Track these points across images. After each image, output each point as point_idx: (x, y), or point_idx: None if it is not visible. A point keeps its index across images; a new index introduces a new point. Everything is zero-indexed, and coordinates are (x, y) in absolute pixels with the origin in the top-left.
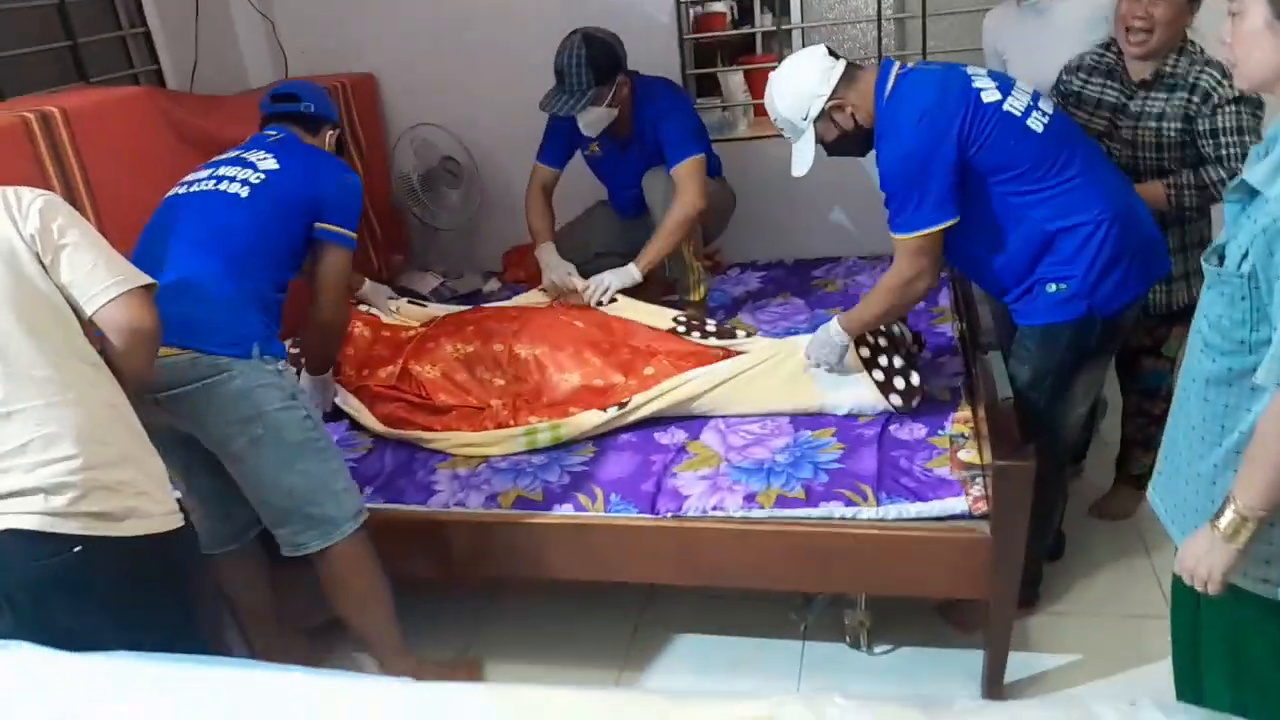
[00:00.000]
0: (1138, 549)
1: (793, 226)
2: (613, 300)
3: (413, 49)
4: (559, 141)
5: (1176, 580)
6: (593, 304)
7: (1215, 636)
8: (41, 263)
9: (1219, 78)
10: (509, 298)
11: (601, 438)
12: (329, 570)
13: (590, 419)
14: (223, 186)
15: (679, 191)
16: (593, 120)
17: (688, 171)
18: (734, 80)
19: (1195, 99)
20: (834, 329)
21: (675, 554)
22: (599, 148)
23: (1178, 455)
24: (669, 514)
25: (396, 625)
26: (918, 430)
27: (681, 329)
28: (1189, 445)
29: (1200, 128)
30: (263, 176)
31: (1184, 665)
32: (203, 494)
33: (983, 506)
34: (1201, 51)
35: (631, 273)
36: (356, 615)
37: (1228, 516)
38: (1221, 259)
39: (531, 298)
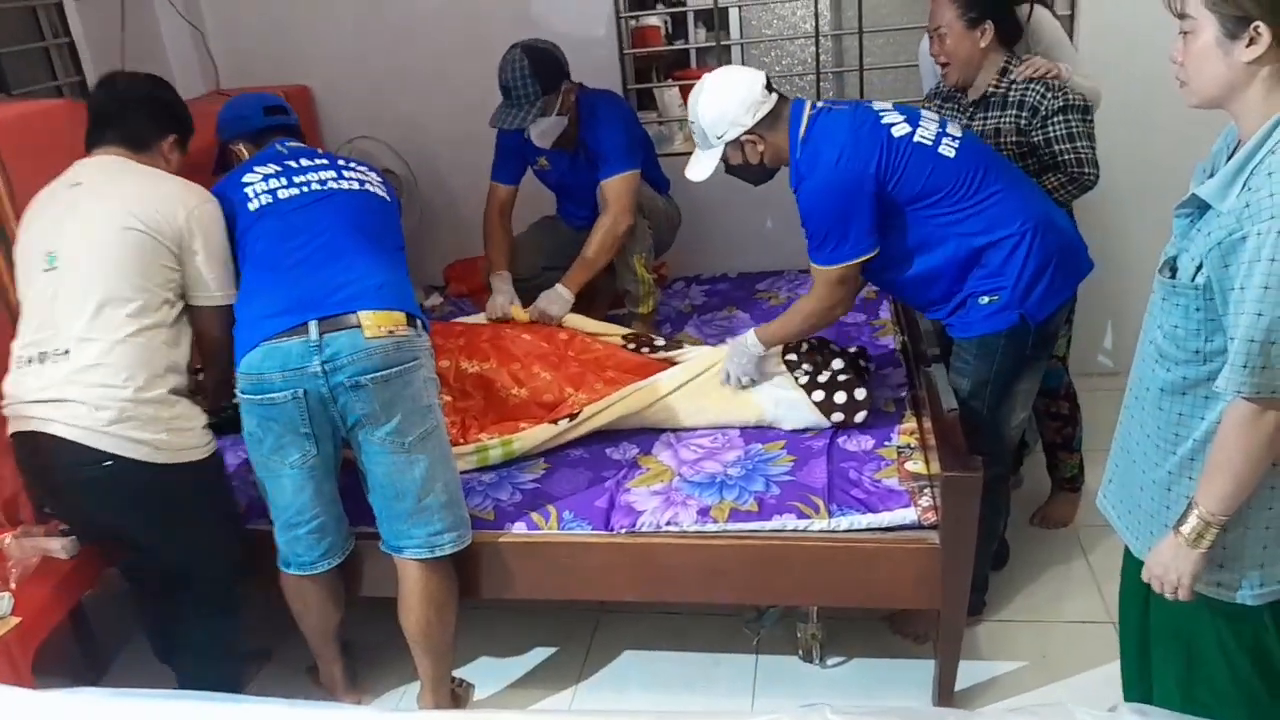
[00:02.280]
0: (1077, 555)
1: (735, 240)
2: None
3: (348, 60)
4: (510, 157)
5: (1125, 585)
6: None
7: (1166, 640)
8: (173, 252)
9: (1043, 92)
10: (452, 313)
11: (553, 454)
12: (437, 578)
13: (542, 432)
14: (366, 187)
15: (606, 208)
16: (544, 130)
17: (616, 188)
18: (670, 95)
19: (1024, 114)
20: (750, 339)
21: (630, 570)
22: (547, 161)
23: (1131, 463)
24: (623, 530)
25: (453, 652)
26: (865, 442)
27: (631, 346)
28: (1144, 453)
29: (1035, 139)
30: (381, 182)
31: (1131, 669)
32: (328, 498)
33: (932, 516)
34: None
35: (562, 294)
36: (437, 634)
37: (1191, 522)
38: (1174, 271)
39: (476, 320)
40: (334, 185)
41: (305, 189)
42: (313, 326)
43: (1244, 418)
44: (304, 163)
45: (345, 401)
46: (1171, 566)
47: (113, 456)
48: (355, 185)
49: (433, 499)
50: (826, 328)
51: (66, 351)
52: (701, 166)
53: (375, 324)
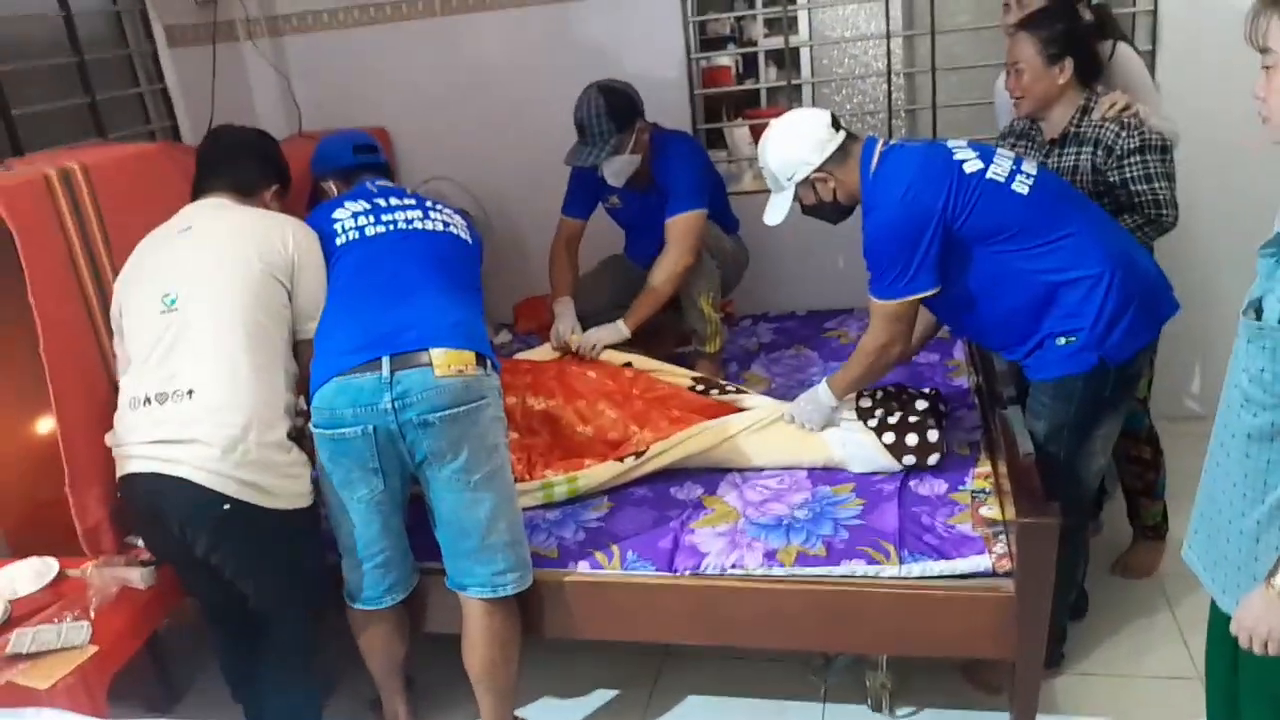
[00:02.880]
0: (1161, 606)
1: (804, 278)
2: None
3: (425, 103)
4: (582, 193)
5: (1212, 640)
6: (588, 357)
7: (1258, 699)
8: (286, 286)
9: (1118, 131)
10: (520, 349)
11: (617, 493)
12: (500, 617)
13: (607, 470)
14: (451, 229)
15: (669, 245)
16: (618, 169)
17: (681, 227)
18: (739, 134)
19: (1100, 153)
20: (823, 391)
21: (693, 612)
22: (619, 199)
23: (1217, 512)
24: (687, 571)
25: (514, 693)
26: (938, 486)
27: (699, 389)
28: (1230, 502)
29: (1111, 179)
30: (466, 226)
31: None
32: (395, 533)
33: (1007, 564)
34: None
35: (620, 329)
36: (500, 674)
37: None
38: (1259, 313)
39: (542, 352)
40: (419, 225)
41: (392, 227)
42: (385, 363)
43: None
44: (393, 202)
45: (413, 438)
46: (1263, 620)
47: (232, 500)
48: (439, 226)
49: (496, 538)
50: (890, 368)
51: (190, 392)
52: (777, 210)
53: (446, 363)
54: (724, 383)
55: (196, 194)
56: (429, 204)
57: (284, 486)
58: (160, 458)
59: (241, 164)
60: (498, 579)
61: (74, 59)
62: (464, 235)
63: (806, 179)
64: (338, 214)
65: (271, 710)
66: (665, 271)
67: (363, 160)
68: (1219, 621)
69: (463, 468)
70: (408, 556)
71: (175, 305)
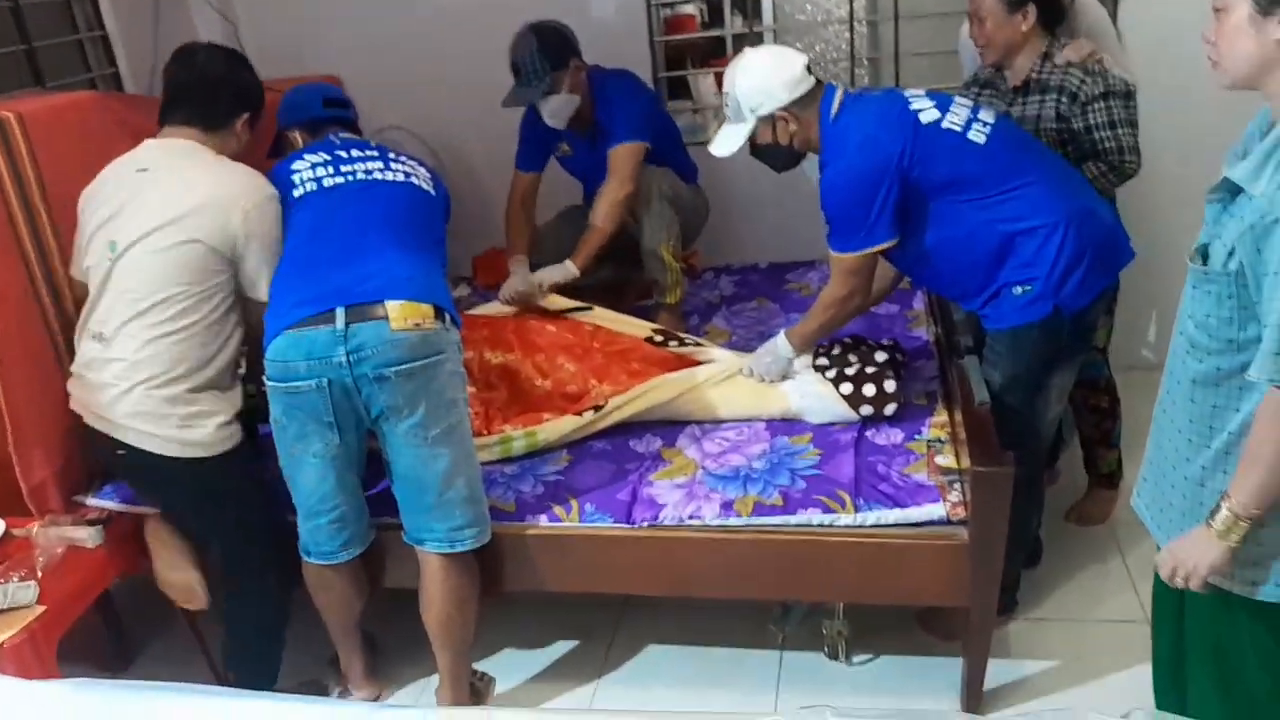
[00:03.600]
0: (1113, 554)
1: (766, 231)
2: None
3: (378, 51)
4: (533, 144)
5: (1159, 586)
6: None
7: (1201, 642)
8: (228, 257)
9: (1082, 77)
10: (479, 303)
11: (576, 446)
12: (458, 572)
13: (566, 424)
14: (413, 180)
15: (608, 176)
16: (555, 108)
17: (620, 155)
18: (704, 83)
19: (1064, 99)
20: (781, 342)
21: (652, 564)
22: (569, 146)
23: (1164, 459)
24: (645, 523)
25: (470, 648)
26: (895, 435)
27: (658, 339)
28: (1176, 448)
29: (1075, 126)
30: (431, 179)
31: (1165, 671)
32: (350, 489)
33: (961, 512)
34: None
35: (568, 268)
36: (457, 628)
37: (1222, 515)
38: (1205, 258)
39: (494, 308)
40: (379, 176)
41: (350, 178)
42: (339, 314)
43: (1278, 408)
44: (354, 154)
45: (369, 393)
46: (1192, 556)
47: (126, 447)
48: (400, 177)
49: (454, 493)
50: (849, 319)
51: (105, 335)
52: (728, 141)
53: (402, 316)
54: (683, 335)
55: (163, 120)
56: (392, 155)
57: (180, 435)
58: (78, 399)
59: (211, 95)
60: (455, 534)
61: (9, 3)
62: (426, 187)
63: (769, 115)
64: (297, 165)
65: (231, 658)
66: (604, 203)
67: (330, 114)
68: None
69: (420, 423)
70: (364, 512)
71: (114, 253)
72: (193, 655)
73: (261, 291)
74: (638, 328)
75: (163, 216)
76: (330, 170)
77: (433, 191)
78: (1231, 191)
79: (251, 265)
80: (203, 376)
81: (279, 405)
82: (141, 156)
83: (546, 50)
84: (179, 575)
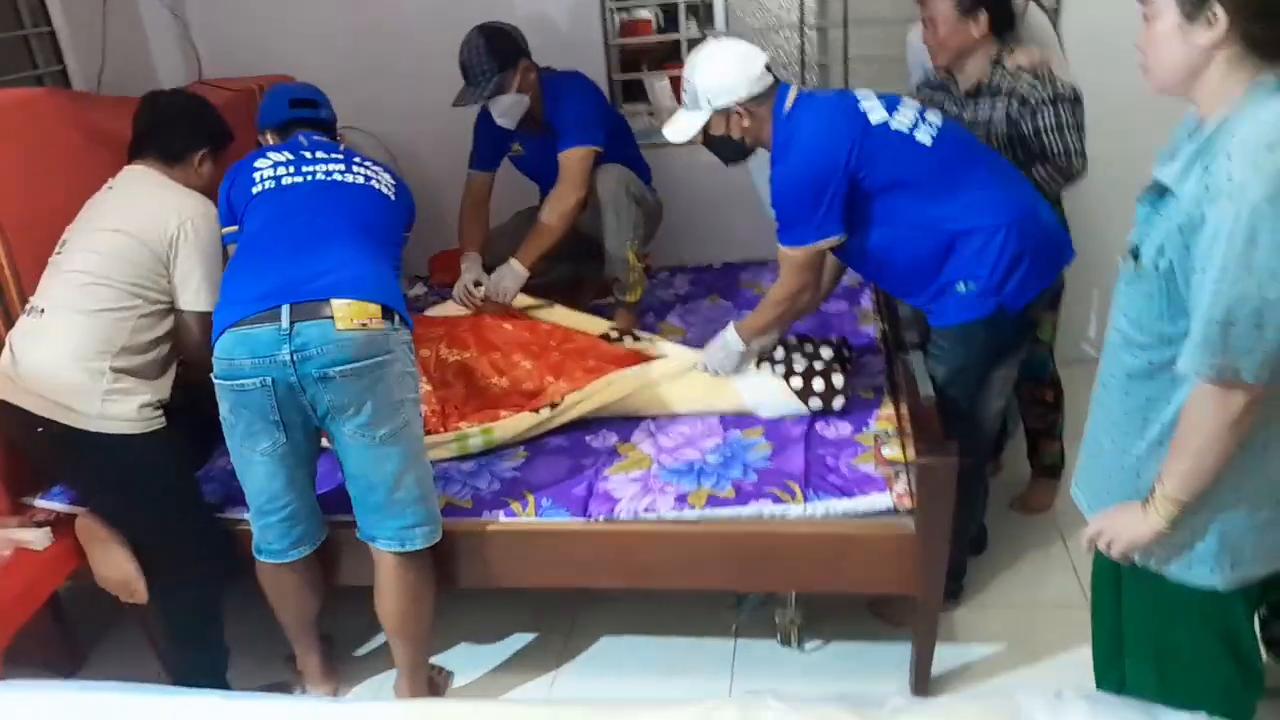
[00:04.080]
0: (1055, 541)
1: (720, 230)
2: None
3: (332, 51)
4: (486, 145)
5: (1097, 571)
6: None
7: (1139, 624)
8: (162, 259)
9: (1032, 82)
10: (436, 302)
11: (533, 442)
12: (412, 569)
13: (523, 421)
14: (373, 184)
15: (559, 180)
16: (504, 109)
17: (570, 160)
18: (660, 86)
19: (1015, 103)
20: (730, 335)
21: (608, 557)
22: (522, 147)
23: (1100, 449)
24: (601, 517)
25: (429, 641)
26: (843, 428)
27: (615, 336)
28: (1111, 440)
29: (1024, 129)
30: (394, 185)
31: (1104, 653)
32: (300, 487)
33: (907, 502)
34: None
35: (514, 267)
36: (413, 624)
37: (1155, 498)
38: (1137, 257)
39: (449, 308)
40: (339, 177)
41: (310, 178)
42: (285, 312)
43: (1206, 400)
44: (318, 155)
45: (314, 392)
46: (1117, 526)
47: (45, 423)
48: (360, 180)
49: (404, 493)
50: (799, 316)
51: (43, 312)
52: (684, 127)
53: (348, 315)
54: (638, 332)
55: (131, 157)
56: (357, 159)
57: (100, 409)
58: (2, 375)
59: (170, 133)
60: (406, 533)
61: None
62: (386, 191)
63: (725, 109)
64: (259, 163)
65: (170, 657)
66: (554, 206)
67: (297, 114)
68: (1103, 557)
69: (366, 423)
70: (315, 510)
71: (62, 249)
72: (144, 655)
73: (188, 298)
74: (594, 325)
75: (112, 217)
76: (291, 170)
77: (393, 196)
78: (1160, 192)
79: (182, 268)
80: (130, 361)
81: (226, 403)
82: (115, 179)
83: (494, 51)
84: (115, 571)
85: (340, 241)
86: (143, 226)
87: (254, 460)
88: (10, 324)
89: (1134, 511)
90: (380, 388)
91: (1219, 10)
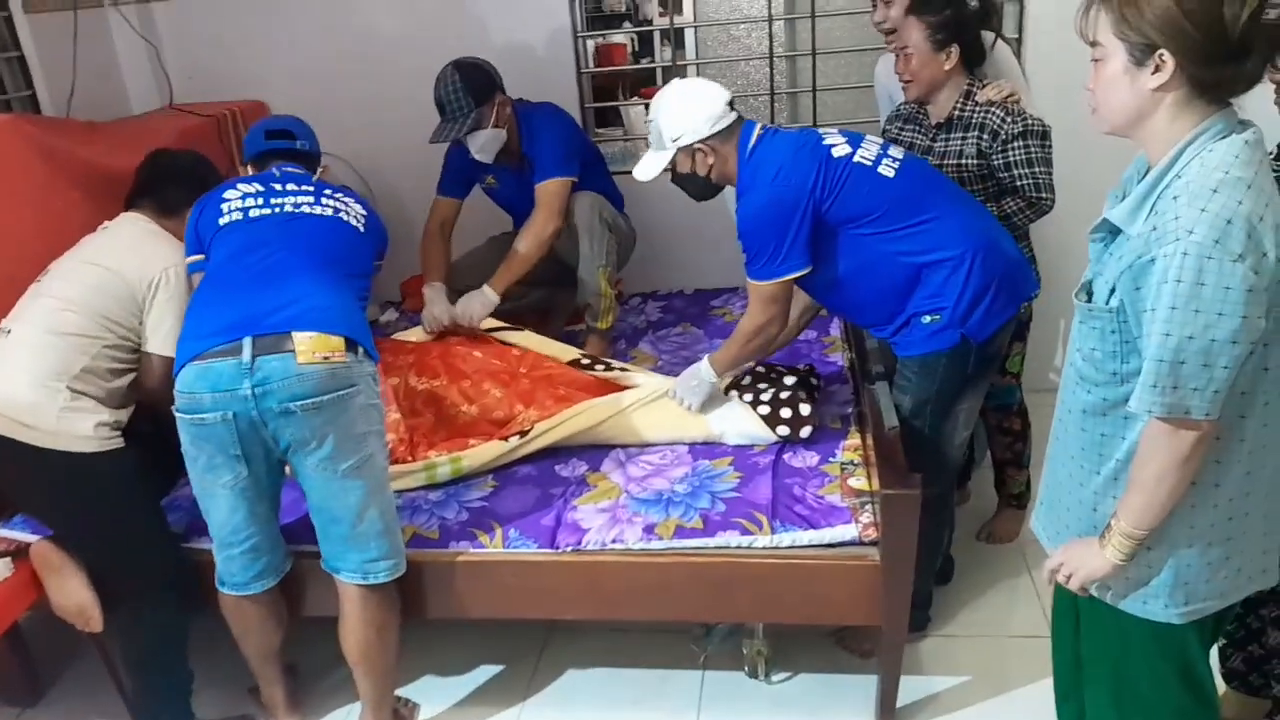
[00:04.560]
0: (1020, 571)
1: (691, 257)
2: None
3: (306, 75)
4: (456, 172)
5: (1057, 604)
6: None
7: (1097, 657)
8: (136, 299)
9: (1003, 116)
10: (408, 327)
11: (502, 472)
12: (375, 601)
13: (491, 450)
14: (341, 216)
15: (536, 210)
16: (483, 144)
17: (548, 191)
18: (634, 113)
19: (985, 136)
20: (705, 368)
21: (576, 588)
22: (495, 179)
23: (1058, 484)
24: (569, 548)
25: (395, 676)
26: (810, 458)
27: (586, 362)
28: (1069, 474)
29: (995, 163)
30: (364, 216)
31: (1064, 683)
32: (263, 520)
33: (873, 533)
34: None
35: (486, 293)
36: (377, 656)
37: (1111, 533)
38: (1090, 295)
39: (416, 334)
40: (306, 210)
41: (277, 210)
42: (246, 345)
43: (1158, 437)
44: (289, 187)
45: (275, 426)
46: (1076, 559)
47: (1, 440)
48: (328, 212)
49: (367, 526)
50: (770, 346)
51: (10, 332)
52: (649, 166)
53: (310, 349)
54: (609, 360)
55: (127, 205)
56: (328, 191)
57: (55, 427)
58: None
59: (165, 188)
60: (369, 566)
61: None
62: (354, 223)
63: (689, 147)
64: (228, 194)
65: (131, 686)
66: (531, 235)
67: (272, 145)
68: (1063, 588)
69: (329, 456)
70: (279, 542)
71: (42, 279)
72: (105, 689)
73: (156, 342)
74: (564, 351)
75: (96, 253)
76: (260, 202)
77: (361, 228)
78: (1112, 231)
79: (156, 313)
80: (88, 384)
81: (187, 436)
82: (109, 222)
83: (470, 86)
84: (70, 599)
85: (304, 274)
86: (125, 264)
87: (216, 493)
88: None
89: (1091, 546)
90: (343, 420)
91: (1166, 55)
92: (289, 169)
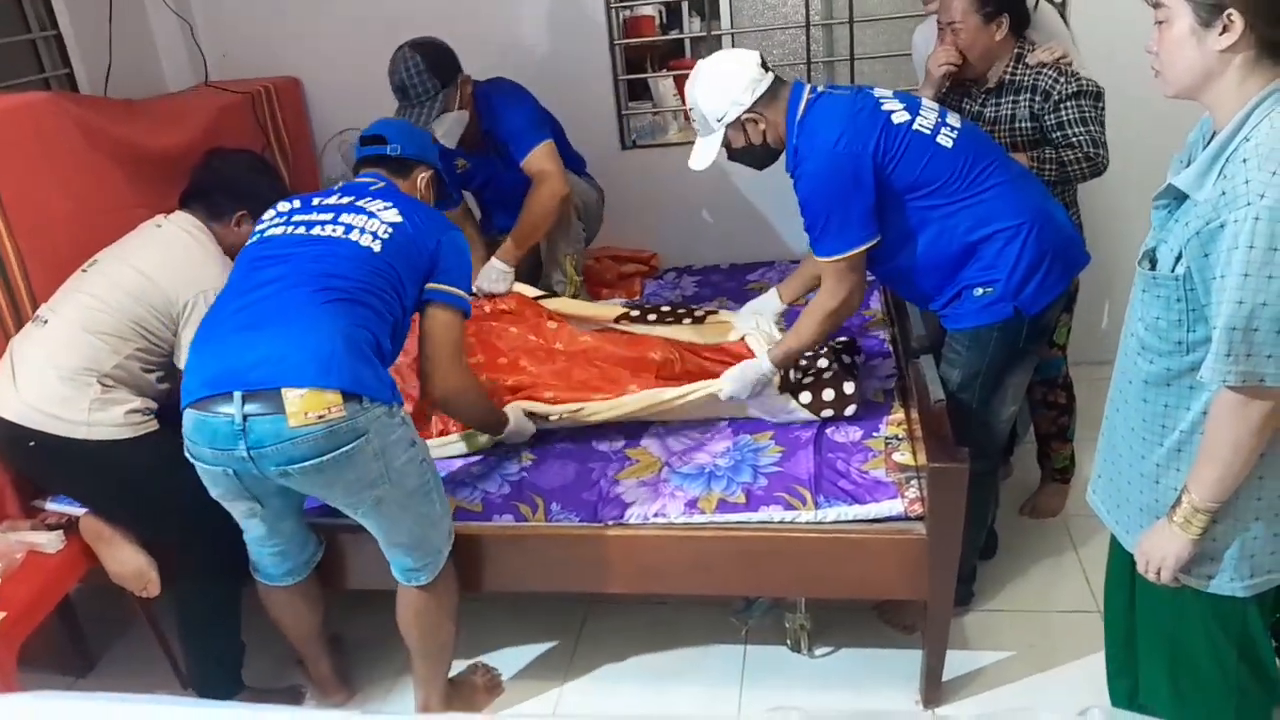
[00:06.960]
0: (1066, 546)
1: (728, 230)
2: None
3: (338, 52)
4: (447, 173)
5: (1111, 576)
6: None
7: (1153, 632)
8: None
9: (1055, 76)
10: None
11: (539, 445)
12: (425, 598)
13: (530, 408)
14: (352, 235)
15: (539, 182)
16: (449, 128)
17: (540, 158)
18: (664, 85)
19: (1038, 98)
20: (767, 366)
21: (617, 562)
22: (466, 162)
23: (1118, 456)
24: (611, 522)
25: (451, 653)
26: (854, 433)
27: (635, 313)
28: (1129, 446)
29: (1048, 123)
30: (390, 230)
31: (1117, 659)
32: (288, 533)
33: (918, 508)
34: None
35: (498, 267)
36: (429, 637)
37: (1182, 508)
38: (1154, 263)
39: None
40: (317, 231)
41: (291, 230)
42: (237, 401)
43: (1230, 407)
44: (327, 202)
45: (280, 481)
46: (1160, 548)
47: (35, 435)
48: (339, 232)
49: (398, 542)
50: (842, 324)
51: (47, 321)
52: (704, 154)
53: (301, 409)
54: (657, 307)
55: (181, 204)
56: (361, 204)
57: (87, 418)
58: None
59: (214, 195)
60: (409, 574)
61: None
62: (367, 242)
63: (737, 120)
64: (267, 214)
65: (184, 654)
66: (544, 200)
67: (364, 152)
68: (1118, 559)
69: (340, 503)
70: (307, 542)
71: (89, 268)
72: (155, 659)
73: (182, 361)
74: (608, 310)
75: (144, 258)
76: (281, 221)
77: (376, 247)
78: (1177, 198)
79: (188, 333)
80: (122, 378)
81: (198, 470)
82: (164, 218)
83: (435, 68)
84: (127, 565)
85: (296, 312)
86: (165, 278)
87: (236, 513)
88: (20, 326)
89: (1164, 531)
90: (347, 477)
91: (1235, 15)
92: (364, 178)
